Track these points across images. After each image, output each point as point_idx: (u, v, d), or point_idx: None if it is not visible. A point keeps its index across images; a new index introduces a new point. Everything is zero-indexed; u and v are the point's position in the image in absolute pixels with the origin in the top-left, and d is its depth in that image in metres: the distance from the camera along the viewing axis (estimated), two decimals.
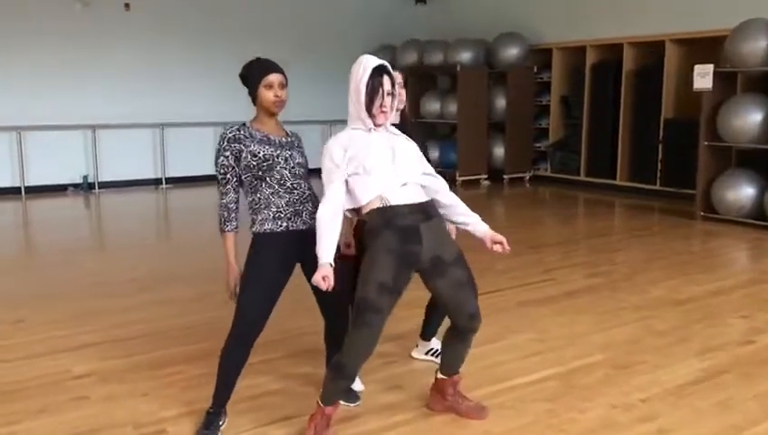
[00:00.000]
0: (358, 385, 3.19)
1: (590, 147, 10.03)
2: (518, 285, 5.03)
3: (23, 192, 9.40)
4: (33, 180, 9.54)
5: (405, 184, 2.68)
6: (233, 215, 2.83)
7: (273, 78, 2.79)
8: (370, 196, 2.65)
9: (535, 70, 10.63)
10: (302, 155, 2.90)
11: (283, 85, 2.82)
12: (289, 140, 2.89)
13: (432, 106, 10.98)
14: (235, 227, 2.83)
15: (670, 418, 2.98)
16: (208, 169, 10.62)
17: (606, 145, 9.79)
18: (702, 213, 7.52)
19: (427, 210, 2.71)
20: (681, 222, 7.52)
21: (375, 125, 2.70)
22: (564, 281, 5.18)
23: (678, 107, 9.00)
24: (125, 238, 7.16)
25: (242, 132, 2.80)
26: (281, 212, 2.80)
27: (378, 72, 2.65)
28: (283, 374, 3.46)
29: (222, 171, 2.81)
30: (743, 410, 3.07)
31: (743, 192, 7.22)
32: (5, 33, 9.23)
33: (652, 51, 9.18)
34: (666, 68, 8.92)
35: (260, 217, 2.81)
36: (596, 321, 4.28)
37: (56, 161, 9.73)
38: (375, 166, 2.65)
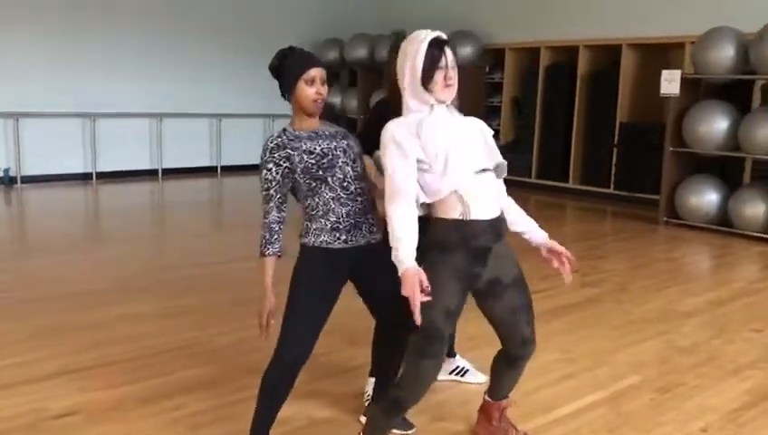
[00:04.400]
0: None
1: (541, 149, 9.96)
2: None
3: None
4: None
5: (484, 171, 2.35)
6: (275, 237, 2.39)
7: (315, 72, 2.42)
8: (450, 186, 2.26)
9: (487, 70, 10.47)
10: (358, 145, 2.55)
11: (325, 81, 2.45)
12: (338, 130, 2.53)
13: None
14: (278, 251, 2.40)
15: None
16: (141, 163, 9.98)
17: (558, 147, 9.75)
18: (666, 218, 7.54)
19: (500, 228, 2.42)
20: (646, 227, 7.48)
21: (438, 101, 2.30)
22: (562, 291, 4.95)
23: (634, 111, 9.03)
24: (70, 242, 6.33)
25: (285, 136, 2.43)
26: (339, 223, 2.42)
27: (437, 44, 2.27)
28: (333, 400, 3.05)
29: (265, 186, 2.40)
30: None
31: (706, 198, 7.25)
32: None
33: (608, 54, 9.18)
34: (622, 72, 8.93)
35: (315, 226, 2.43)
36: (613, 336, 4.06)
37: None
38: (452, 147, 2.27)
